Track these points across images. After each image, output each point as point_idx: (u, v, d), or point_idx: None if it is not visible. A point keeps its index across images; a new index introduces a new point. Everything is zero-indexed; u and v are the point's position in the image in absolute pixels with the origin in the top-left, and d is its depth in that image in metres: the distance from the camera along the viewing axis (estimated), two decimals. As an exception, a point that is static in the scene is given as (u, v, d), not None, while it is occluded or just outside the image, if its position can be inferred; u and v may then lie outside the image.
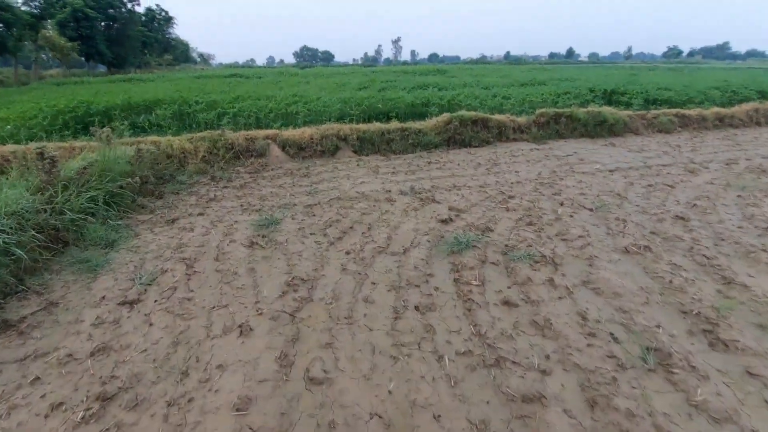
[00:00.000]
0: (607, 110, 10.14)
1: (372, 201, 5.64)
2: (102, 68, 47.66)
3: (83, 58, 42.14)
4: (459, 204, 5.44)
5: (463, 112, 9.25)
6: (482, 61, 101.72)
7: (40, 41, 34.32)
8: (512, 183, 6.41)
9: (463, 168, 7.36)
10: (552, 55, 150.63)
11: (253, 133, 8.27)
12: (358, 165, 7.63)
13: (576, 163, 7.55)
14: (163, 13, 59.18)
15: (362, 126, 8.72)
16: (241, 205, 5.63)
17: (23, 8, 31.65)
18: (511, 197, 5.70)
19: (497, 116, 9.55)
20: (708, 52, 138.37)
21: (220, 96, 10.75)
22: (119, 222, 4.96)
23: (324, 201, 5.71)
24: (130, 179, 5.66)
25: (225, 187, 6.53)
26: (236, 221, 5.03)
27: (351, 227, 4.76)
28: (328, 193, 6.05)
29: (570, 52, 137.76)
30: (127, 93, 11.38)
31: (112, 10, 43.01)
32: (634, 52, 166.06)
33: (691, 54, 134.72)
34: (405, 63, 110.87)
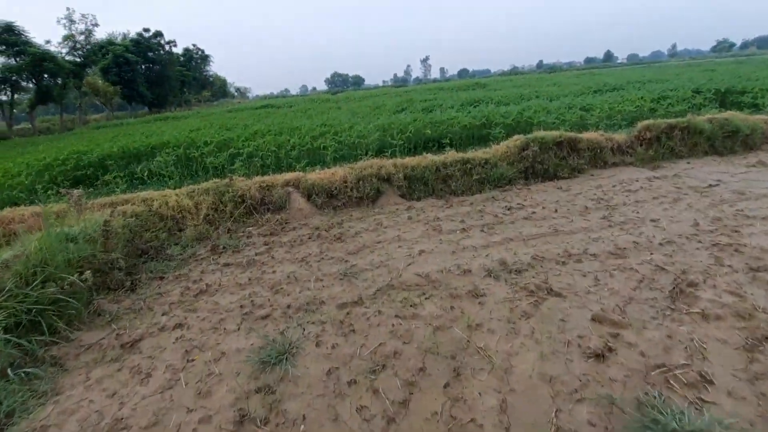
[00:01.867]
0: (738, 116, 7.49)
1: (445, 295, 3.45)
2: (144, 109, 49.31)
3: (125, 101, 43.56)
4: (601, 302, 3.13)
5: (542, 133, 6.95)
6: (515, 72, 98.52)
7: (84, 87, 35.48)
8: (661, 244, 4.02)
9: (565, 215, 5.04)
10: (588, 60, 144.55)
11: (270, 178, 6.38)
12: (409, 218, 5.49)
13: (737, 200, 5.02)
14: (200, 53, 61.33)
15: (409, 160, 6.62)
16: (242, 306, 3.62)
17: (67, 57, 32.77)
18: (682, 278, 3.33)
19: (587, 134, 7.16)
20: (764, 42, 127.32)
21: (236, 132, 9.08)
22: (33, 368, 3.04)
23: (367, 295, 3.59)
24: (85, 270, 3.81)
25: (227, 264, 4.58)
26: (225, 351, 2.99)
27: (421, 368, 2.59)
28: (372, 278, 3.93)
29: (608, 55, 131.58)
30: (138, 136, 9.99)
31: (151, 53, 44.48)
32: (678, 48, 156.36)
33: (745, 45, 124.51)
34: (435, 80, 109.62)
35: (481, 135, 7.99)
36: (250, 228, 5.64)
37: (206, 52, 62.08)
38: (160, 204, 5.72)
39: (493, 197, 6.02)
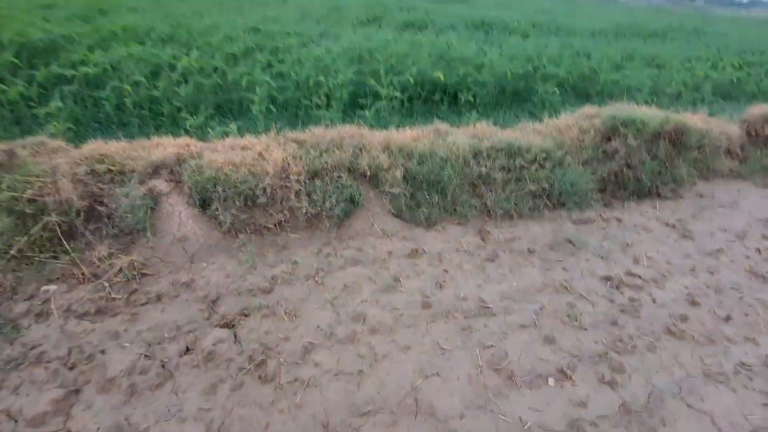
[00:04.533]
0: None
1: None
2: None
3: None
4: None
5: (637, 111, 4.13)
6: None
7: None
8: None
9: (729, 314, 2.51)
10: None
11: (118, 150, 3.01)
12: (417, 272, 2.68)
13: None
14: None
15: (412, 139, 3.56)
16: None
17: None
18: None
19: (694, 119, 4.47)
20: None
21: (73, 27, 4.96)
22: None
23: None
24: None
25: None
26: None
27: None
28: None
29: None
30: None
31: None
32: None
33: None
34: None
35: (518, 92, 4.97)
36: (50, 287, 2.43)
37: None
38: None
39: (564, 237, 3.27)
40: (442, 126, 3.83)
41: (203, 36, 5.03)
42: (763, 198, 4.24)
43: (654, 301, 2.71)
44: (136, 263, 2.57)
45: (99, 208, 2.76)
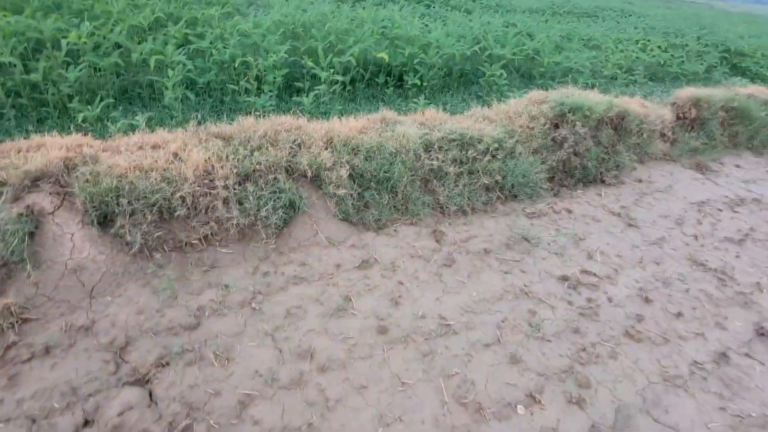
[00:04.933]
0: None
1: None
2: None
3: None
4: None
5: (581, 97, 4.07)
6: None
7: None
8: None
9: (676, 305, 2.54)
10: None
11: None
12: (369, 287, 2.40)
13: None
14: None
15: (358, 130, 3.19)
16: None
17: None
18: None
19: (631, 103, 4.53)
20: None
21: None
22: None
23: None
24: None
25: None
26: None
27: None
28: None
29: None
30: None
31: None
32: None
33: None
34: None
35: (465, 74, 4.71)
36: None
37: None
38: None
39: (520, 234, 3.14)
40: (390, 114, 3.49)
41: (100, 3, 4.16)
42: (693, 180, 4.44)
43: (610, 300, 2.67)
44: (12, 307, 2.00)
45: (-46, 236, 2.12)
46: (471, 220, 3.26)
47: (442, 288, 2.59)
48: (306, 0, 6.31)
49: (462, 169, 3.35)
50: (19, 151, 2.45)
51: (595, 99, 4.08)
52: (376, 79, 4.29)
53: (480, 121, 3.75)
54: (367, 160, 3.01)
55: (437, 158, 3.29)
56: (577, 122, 3.86)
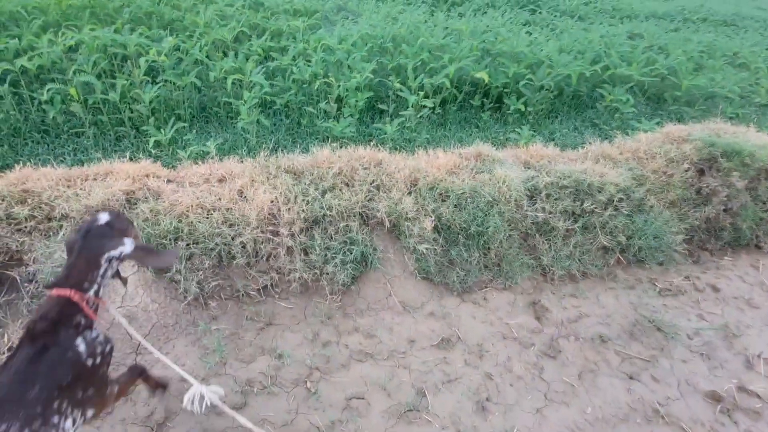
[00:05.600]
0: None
1: None
2: None
3: None
4: None
5: (738, 134, 3.18)
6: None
7: None
8: None
9: None
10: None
11: (52, 189, 2.22)
12: (448, 378, 1.97)
13: None
14: None
15: (446, 169, 2.67)
16: None
17: None
18: None
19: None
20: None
21: None
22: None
23: None
24: None
25: None
26: None
27: None
28: None
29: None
30: None
31: None
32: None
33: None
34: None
35: (578, 95, 3.97)
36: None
37: None
38: None
39: (648, 318, 2.43)
40: (486, 149, 2.93)
41: (190, 13, 4.12)
42: None
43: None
44: None
45: (8, 272, 2.01)
46: (582, 290, 2.60)
47: (544, 392, 2.01)
48: (397, 6, 5.93)
49: (575, 225, 2.70)
50: (86, 179, 2.33)
51: (756, 140, 3.15)
52: (471, 101, 3.75)
53: (599, 161, 3.05)
54: (457, 209, 2.50)
55: (543, 209, 2.67)
56: (733, 171, 2.98)
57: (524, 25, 5.66)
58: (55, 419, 1.09)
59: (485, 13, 6.08)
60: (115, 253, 1.26)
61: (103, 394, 1.28)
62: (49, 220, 2.16)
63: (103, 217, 1.32)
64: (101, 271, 1.26)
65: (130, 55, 3.07)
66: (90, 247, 1.25)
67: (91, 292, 1.24)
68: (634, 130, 3.63)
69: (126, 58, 3.13)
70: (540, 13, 6.30)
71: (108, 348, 1.27)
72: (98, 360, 1.22)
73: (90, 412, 1.22)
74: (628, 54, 4.16)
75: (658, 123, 3.57)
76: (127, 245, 1.28)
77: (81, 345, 1.18)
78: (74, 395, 1.15)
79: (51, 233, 2.13)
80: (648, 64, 4.07)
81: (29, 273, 2.05)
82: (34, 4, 3.78)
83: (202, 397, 1.31)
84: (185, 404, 1.22)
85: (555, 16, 6.17)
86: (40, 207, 2.17)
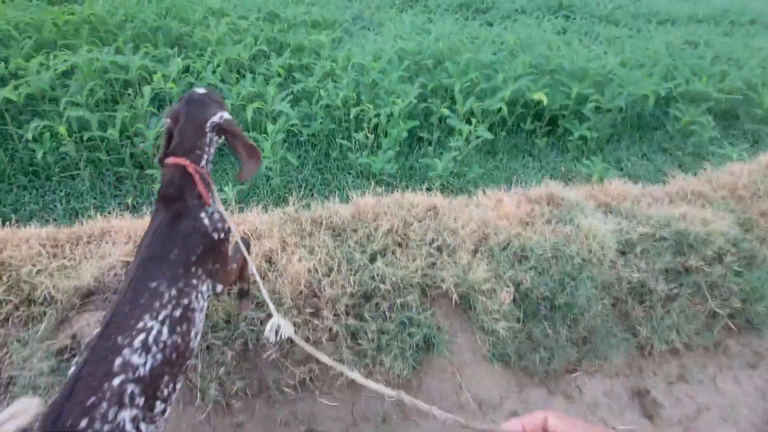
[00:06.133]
0: None
1: None
2: None
3: None
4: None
5: None
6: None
7: None
8: None
9: None
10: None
11: (34, 260, 1.73)
12: None
13: None
14: None
15: (518, 212, 2.17)
16: None
17: None
18: None
19: None
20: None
21: None
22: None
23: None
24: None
25: None
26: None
27: None
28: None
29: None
30: None
31: None
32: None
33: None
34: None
35: (642, 115, 3.47)
36: None
37: None
38: None
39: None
40: (557, 189, 2.45)
41: (200, 27, 3.67)
42: None
43: None
44: None
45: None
46: (690, 371, 2.09)
47: None
48: (419, 15, 5.47)
49: (677, 288, 2.19)
50: (77, 243, 1.86)
51: None
52: (521, 124, 3.26)
53: (691, 200, 2.55)
54: (538, 274, 2.01)
55: (638, 268, 2.17)
56: None
57: (559, 33, 5.18)
58: (194, 281, 1.16)
59: (516, 20, 5.59)
60: (216, 119, 1.28)
61: (227, 270, 1.34)
62: (30, 304, 1.69)
63: (200, 89, 1.36)
64: (206, 139, 1.28)
65: (132, 80, 2.61)
66: (194, 113, 1.28)
67: (203, 162, 1.27)
68: (714, 156, 3.12)
69: (128, 83, 2.67)
70: (574, 19, 5.80)
71: (226, 226, 1.29)
72: (222, 235, 1.27)
73: (219, 288, 1.29)
74: (696, 66, 3.66)
75: (746, 149, 3.06)
76: (225, 114, 1.31)
77: (205, 218, 1.24)
78: (206, 264, 1.21)
79: (31, 323, 1.66)
80: (722, 78, 3.56)
81: (9, 378, 1.58)
82: (27, 20, 3.35)
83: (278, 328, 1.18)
84: (266, 334, 1.16)
85: (592, 22, 5.67)
86: (18, 286, 1.70)
